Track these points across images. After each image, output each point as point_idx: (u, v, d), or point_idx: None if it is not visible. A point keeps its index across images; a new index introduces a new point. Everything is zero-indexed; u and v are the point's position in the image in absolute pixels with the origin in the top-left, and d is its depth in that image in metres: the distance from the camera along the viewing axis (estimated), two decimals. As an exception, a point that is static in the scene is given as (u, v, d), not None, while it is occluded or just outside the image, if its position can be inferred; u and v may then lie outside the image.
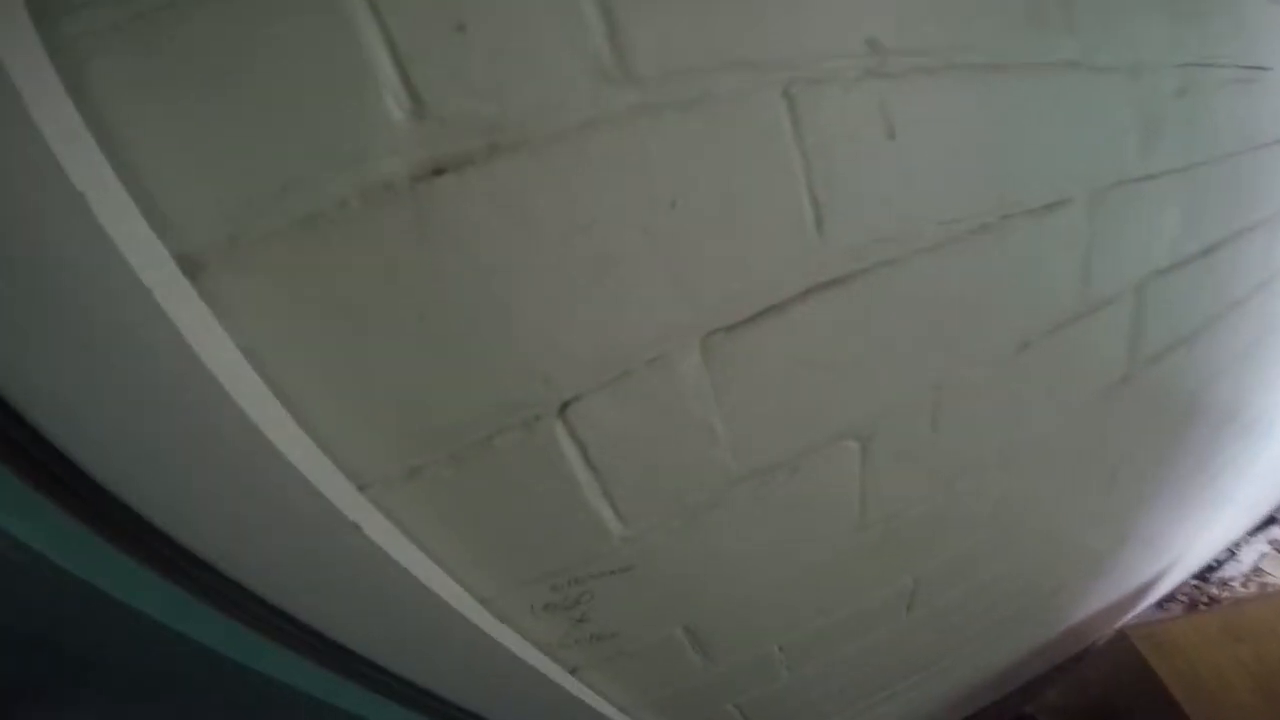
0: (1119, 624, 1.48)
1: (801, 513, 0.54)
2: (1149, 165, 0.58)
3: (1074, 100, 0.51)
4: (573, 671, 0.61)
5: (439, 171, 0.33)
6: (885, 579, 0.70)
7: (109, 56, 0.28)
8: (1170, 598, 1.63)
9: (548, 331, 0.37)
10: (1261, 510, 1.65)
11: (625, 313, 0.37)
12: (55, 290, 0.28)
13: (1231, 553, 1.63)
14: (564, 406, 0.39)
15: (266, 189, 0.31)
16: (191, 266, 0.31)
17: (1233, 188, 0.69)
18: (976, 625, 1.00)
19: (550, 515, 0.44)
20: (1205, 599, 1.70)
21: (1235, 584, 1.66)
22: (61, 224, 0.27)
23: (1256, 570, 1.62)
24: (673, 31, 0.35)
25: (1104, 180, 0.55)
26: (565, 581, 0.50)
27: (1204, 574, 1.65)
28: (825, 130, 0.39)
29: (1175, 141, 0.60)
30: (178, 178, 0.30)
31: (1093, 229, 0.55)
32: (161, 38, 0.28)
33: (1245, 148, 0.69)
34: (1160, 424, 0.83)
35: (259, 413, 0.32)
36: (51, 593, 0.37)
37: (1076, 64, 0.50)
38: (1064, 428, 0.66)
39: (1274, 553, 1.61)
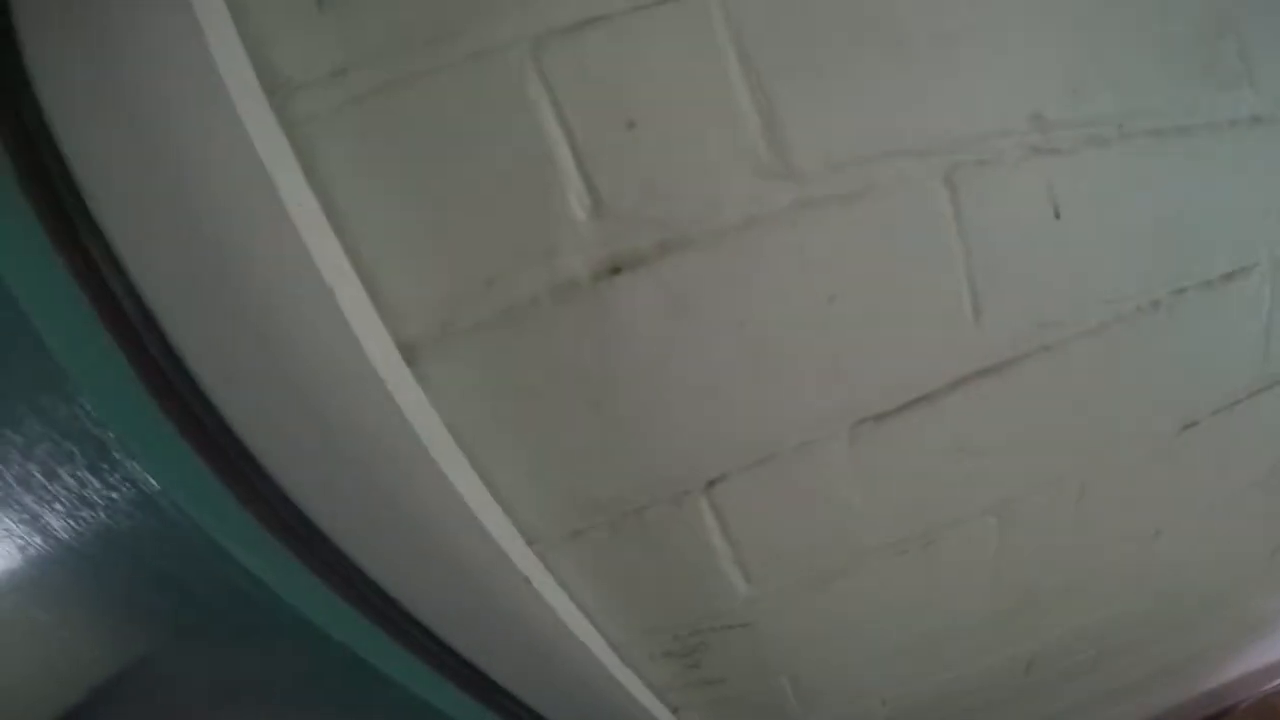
0: (1265, 688, 1.35)
1: (932, 582, 0.54)
2: (1343, 220, 0.52)
3: (1256, 158, 0.47)
4: (675, 711, 0.64)
5: (616, 270, 0.36)
6: (1008, 644, 0.68)
7: (332, 139, 0.32)
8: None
9: (703, 418, 0.39)
10: None
11: (777, 401, 0.39)
12: (306, 376, 0.33)
13: None
14: (710, 485, 0.42)
15: (474, 283, 0.35)
16: (409, 353, 0.36)
17: None
18: (1100, 687, 0.95)
19: (685, 578, 0.47)
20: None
21: None
22: (312, 316, 0.32)
23: None
24: (831, 124, 0.36)
25: (1290, 241, 0.50)
26: (687, 633, 0.53)
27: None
28: (987, 215, 0.39)
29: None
30: (397, 267, 0.35)
31: (1275, 298, 0.50)
32: (373, 123, 0.32)
33: None
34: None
35: (458, 478, 0.37)
36: (270, 622, 0.44)
37: (1259, 119, 0.46)
38: (1228, 502, 0.61)
39: None
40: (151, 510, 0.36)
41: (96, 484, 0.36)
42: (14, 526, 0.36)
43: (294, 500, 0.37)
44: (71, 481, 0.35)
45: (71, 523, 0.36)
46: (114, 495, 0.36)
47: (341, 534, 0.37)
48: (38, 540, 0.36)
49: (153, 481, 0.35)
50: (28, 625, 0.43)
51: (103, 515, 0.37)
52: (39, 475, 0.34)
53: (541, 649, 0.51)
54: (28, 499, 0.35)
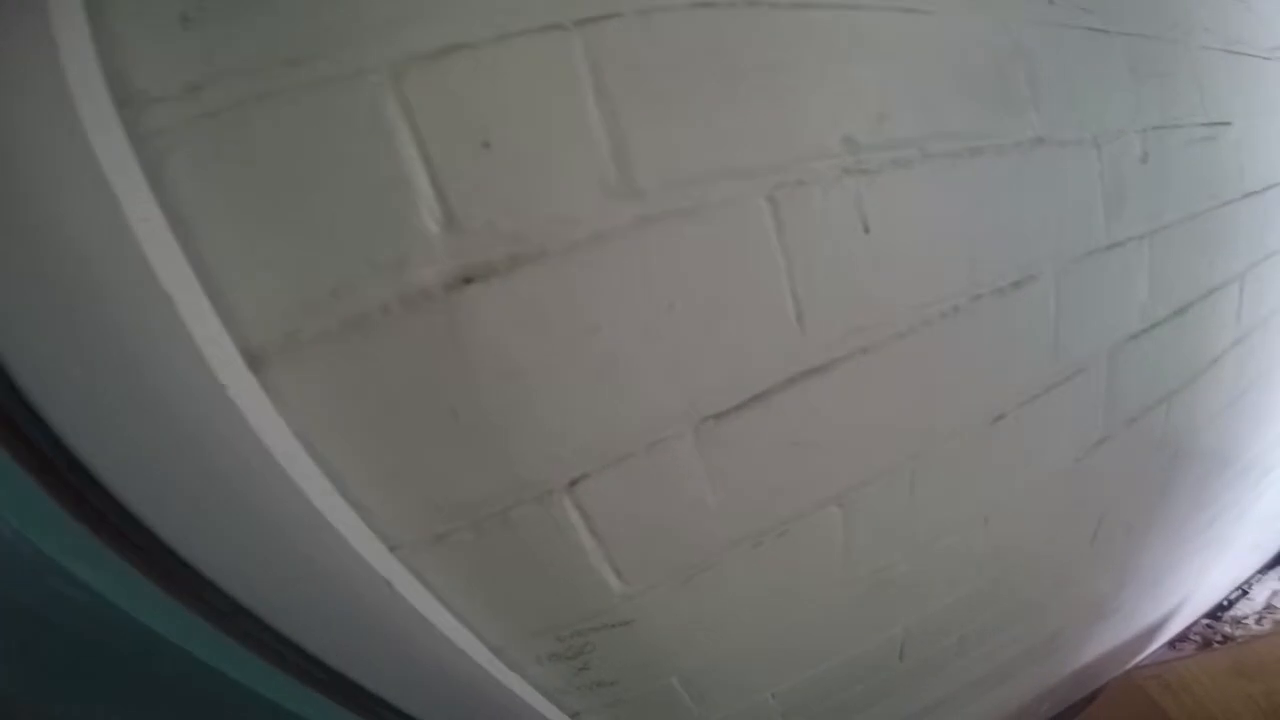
0: (1130, 665, 1.52)
1: (790, 571, 0.60)
2: (1115, 233, 0.65)
3: (1040, 176, 0.58)
4: (573, 717, 0.67)
5: (468, 280, 0.40)
6: (875, 630, 0.76)
7: (183, 153, 0.35)
8: (1183, 637, 1.66)
9: (559, 421, 0.44)
10: (1271, 549, 1.69)
11: (627, 403, 0.44)
12: (144, 383, 0.35)
13: (1244, 591, 1.68)
14: (572, 484, 0.46)
15: (319, 292, 0.38)
16: (254, 361, 0.38)
17: (1201, 247, 0.76)
18: (975, 671, 1.06)
19: (557, 576, 0.51)
20: (1219, 637, 1.74)
21: (1249, 621, 1.70)
22: (150, 324, 0.34)
23: (1269, 607, 1.66)
24: (671, 146, 0.42)
25: (1071, 252, 0.62)
26: (569, 634, 0.56)
27: (1216, 613, 1.69)
28: (805, 230, 0.47)
29: (1141, 206, 0.67)
30: (242, 278, 0.37)
31: (1060, 302, 0.62)
32: (226, 138, 0.35)
33: (1211, 206, 0.76)
34: (1145, 477, 0.89)
35: (310, 486, 0.39)
36: (112, 635, 0.43)
37: (1042, 140, 0.57)
38: (1043, 487, 0.72)
39: (1285, 590, 1.65)
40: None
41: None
42: None
43: (135, 513, 0.38)
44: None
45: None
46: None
47: (189, 545, 0.38)
48: None
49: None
50: None
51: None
52: None
53: (419, 657, 0.52)
54: None
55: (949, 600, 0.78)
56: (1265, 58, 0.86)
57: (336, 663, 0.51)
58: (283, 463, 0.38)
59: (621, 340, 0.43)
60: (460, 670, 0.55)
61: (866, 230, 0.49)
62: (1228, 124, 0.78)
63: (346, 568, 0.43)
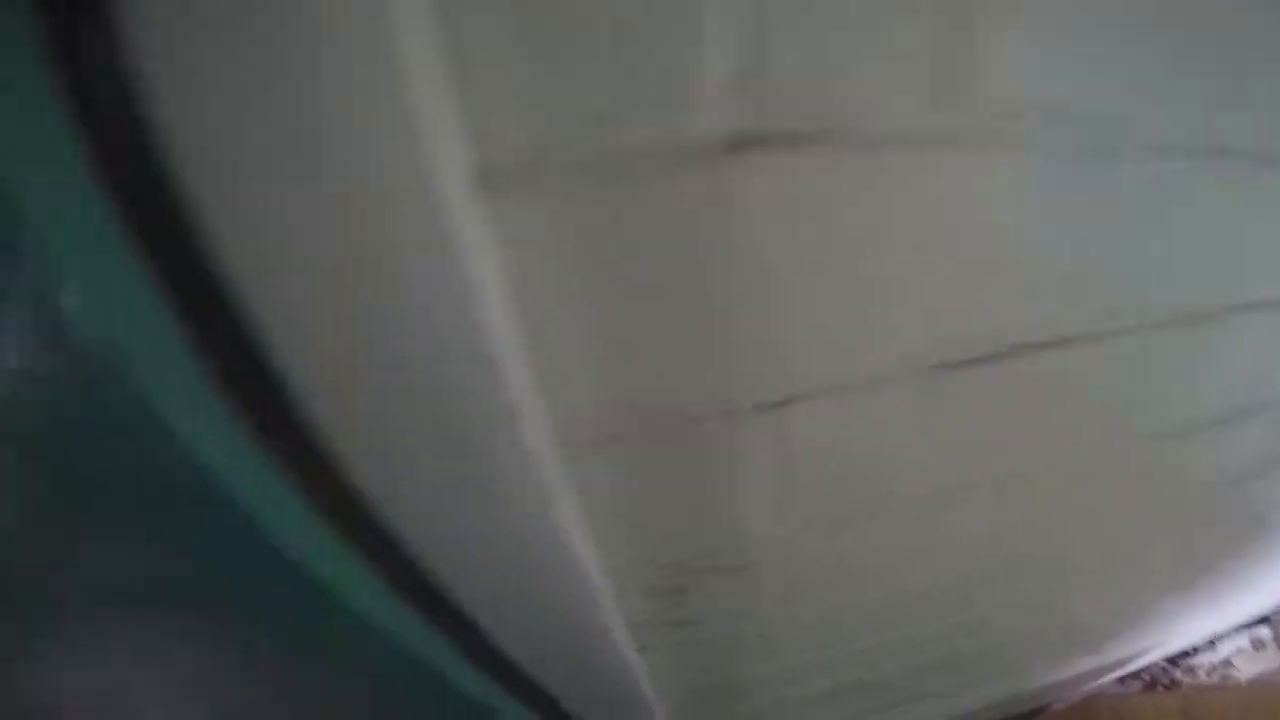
0: (1081, 691, 1.59)
1: (931, 540, 0.57)
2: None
3: None
4: (641, 650, 0.64)
5: (753, 145, 0.32)
6: (958, 608, 0.75)
7: None
8: (1134, 675, 1.75)
9: (791, 333, 0.37)
10: (1256, 610, 1.77)
11: (871, 332, 0.38)
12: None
13: (1211, 643, 1.75)
14: (779, 405, 0.40)
15: (578, 119, 0.30)
16: (488, 180, 0.30)
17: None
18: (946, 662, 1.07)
19: (712, 507, 0.45)
20: (1167, 681, 1.83)
21: (1200, 672, 1.79)
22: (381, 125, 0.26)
23: (1226, 663, 1.74)
24: (1028, 69, 0.34)
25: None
26: (682, 571, 0.52)
27: (1174, 657, 1.76)
28: (1105, 202, 0.39)
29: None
30: (496, 87, 0.29)
31: None
32: None
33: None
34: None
35: (500, 336, 0.32)
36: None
37: None
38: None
39: (1250, 650, 1.73)
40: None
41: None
42: None
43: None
44: None
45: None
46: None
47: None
48: None
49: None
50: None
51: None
52: None
53: (530, 567, 0.47)
54: None
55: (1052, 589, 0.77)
56: None
57: (435, 560, 0.45)
58: (478, 298, 0.31)
59: (890, 263, 0.36)
60: (565, 591, 0.51)
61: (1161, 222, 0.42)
62: None
63: (503, 444, 0.37)
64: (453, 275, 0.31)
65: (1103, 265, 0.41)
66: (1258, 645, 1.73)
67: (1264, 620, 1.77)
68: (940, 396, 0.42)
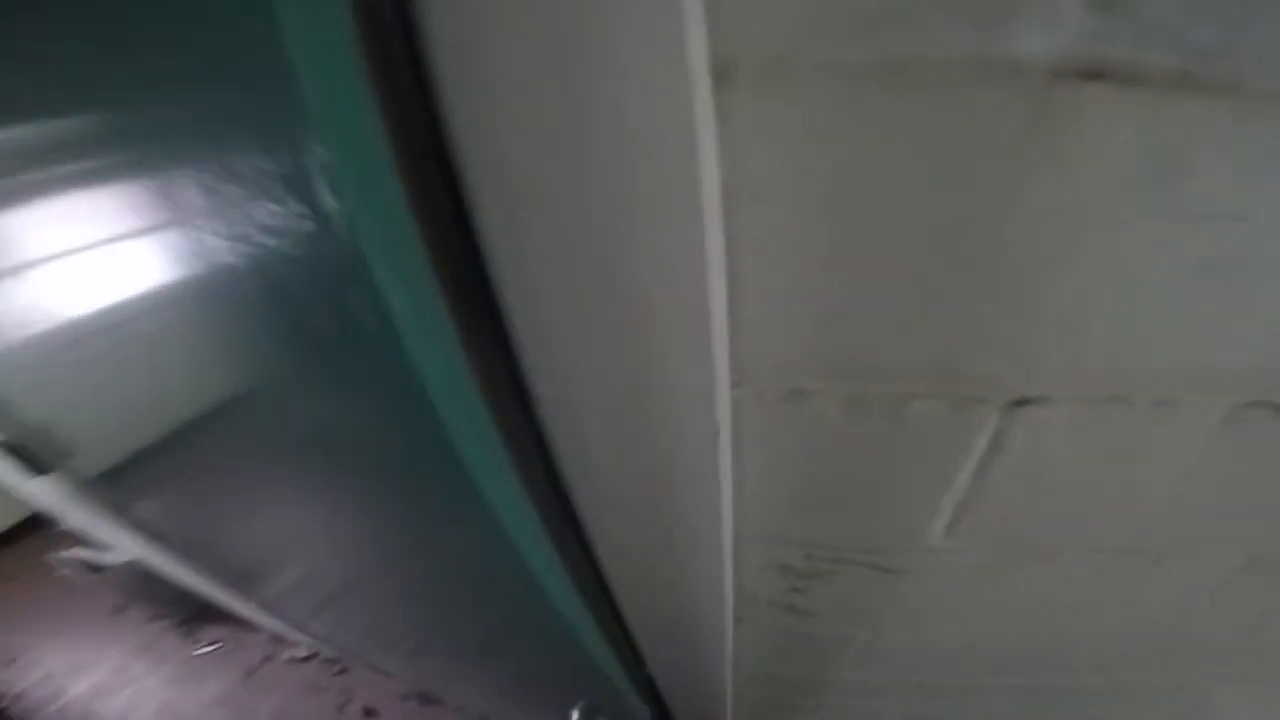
0: None
1: (1113, 594, 0.47)
2: None
3: None
4: (737, 621, 0.60)
5: (1094, 76, 0.24)
6: (1123, 675, 0.65)
7: None
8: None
9: (1074, 317, 0.29)
10: None
11: (1183, 337, 0.29)
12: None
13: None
14: (1018, 403, 0.32)
15: (845, 16, 0.23)
16: (723, 73, 0.25)
17: None
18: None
19: (885, 499, 0.39)
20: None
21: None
22: None
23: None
24: None
25: None
26: (826, 557, 0.46)
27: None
28: None
29: None
30: None
31: None
32: None
33: None
34: None
35: (697, 243, 0.28)
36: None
37: None
38: None
39: None
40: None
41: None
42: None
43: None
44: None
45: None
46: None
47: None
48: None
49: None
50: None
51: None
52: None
53: (662, 506, 0.44)
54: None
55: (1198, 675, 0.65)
56: None
57: (573, 473, 0.43)
58: (688, 204, 0.26)
59: (1243, 252, 0.27)
60: (688, 538, 0.47)
61: None
62: None
63: (679, 370, 0.33)
64: (677, 169, 0.26)
65: None
66: None
67: None
68: (1241, 438, 0.33)
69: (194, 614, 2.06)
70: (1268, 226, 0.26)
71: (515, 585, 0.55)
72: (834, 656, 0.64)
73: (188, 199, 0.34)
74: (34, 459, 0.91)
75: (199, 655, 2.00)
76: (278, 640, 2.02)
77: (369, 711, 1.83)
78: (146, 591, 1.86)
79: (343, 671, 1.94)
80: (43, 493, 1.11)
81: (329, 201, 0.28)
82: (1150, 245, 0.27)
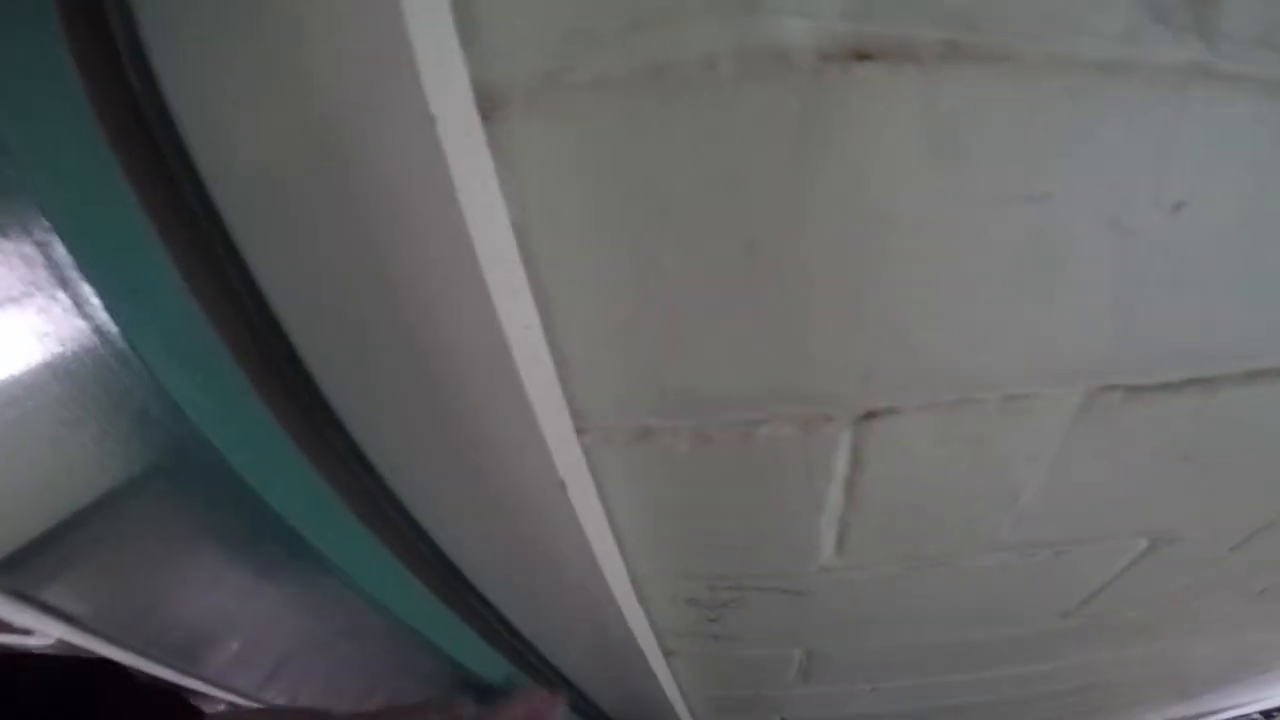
0: None
1: (1023, 591, 0.44)
2: None
3: None
4: (667, 654, 0.56)
5: (863, 57, 0.21)
6: (1033, 664, 0.62)
7: None
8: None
9: (907, 316, 0.26)
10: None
11: (1020, 325, 0.26)
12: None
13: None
14: (867, 416, 0.29)
15: (612, 20, 0.20)
16: (490, 103, 0.21)
17: None
18: (1039, 704, 0.93)
19: (764, 527, 0.36)
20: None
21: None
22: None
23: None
24: None
25: None
26: (727, 585, 0.43)
27: (1272, 710, 1.52)
28: None
29: None
30: None
31: None
32: None
33: None
34: None
35: (503, 291, 0.23)
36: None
37: None
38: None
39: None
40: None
41: None
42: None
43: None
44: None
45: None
46: None
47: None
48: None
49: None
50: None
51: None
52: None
53: (547, 567, 0.40)
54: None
55: (1127, 655, 0.63)
56: None
57: (449, 544, 0.39)
58: (479, 247, 0.22)
59: (1069, 229, 0.24)
60: (586, 591, 0.43)
61: None
62: None
63: (516, 431, 0.28)
64: (451, 217, 0.22)
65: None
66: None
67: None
68: (1103, 427, 0.30)
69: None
70: (1074, 200, 0.23)
71: (433, 664, 0.50)
72: (778, 674, 0.60)
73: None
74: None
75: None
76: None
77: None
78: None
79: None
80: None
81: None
82: (958, 235, 0.24)
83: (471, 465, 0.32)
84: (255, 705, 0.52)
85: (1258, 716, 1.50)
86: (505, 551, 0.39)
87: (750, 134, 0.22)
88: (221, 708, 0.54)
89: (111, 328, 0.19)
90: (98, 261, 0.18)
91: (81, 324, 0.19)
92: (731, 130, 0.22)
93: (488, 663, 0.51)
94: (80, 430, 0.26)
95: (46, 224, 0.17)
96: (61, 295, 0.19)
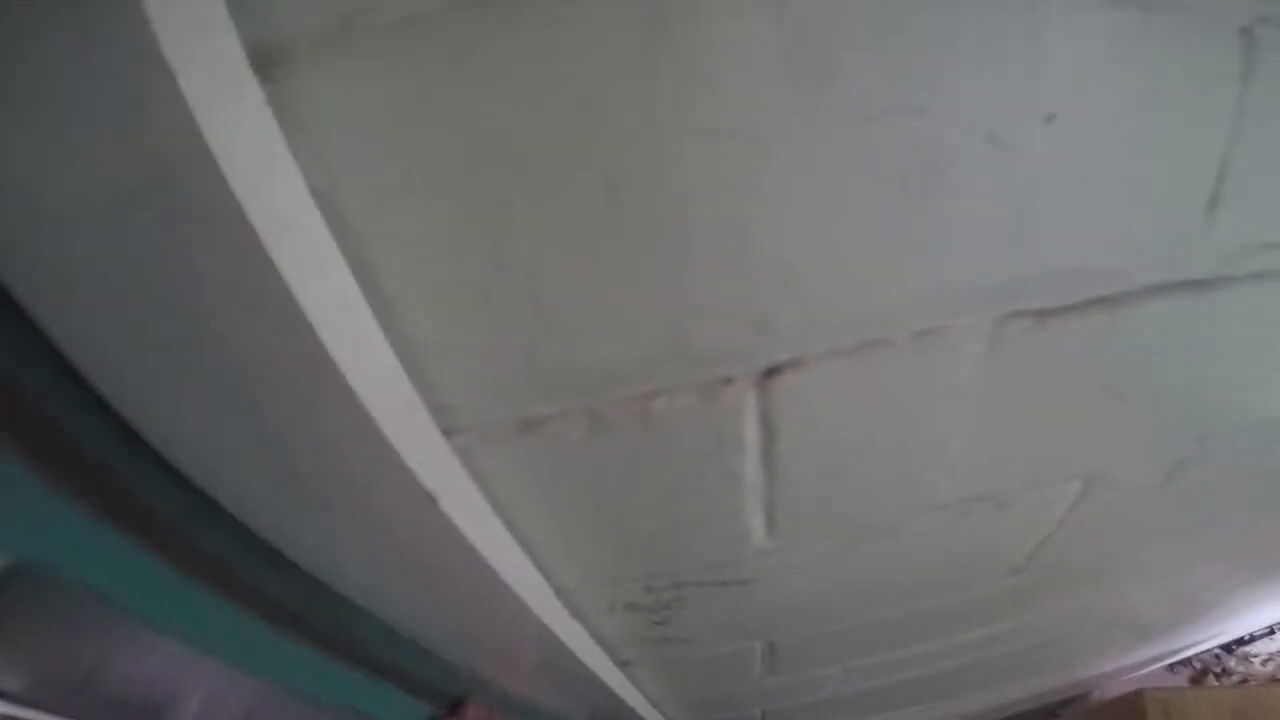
0: (1126, 680, 1.43)
1: (971, 551, 0.42)
2: None
3: None
4: (622, 666, 0.52)
5: None
6: (989, 625, 0.60)
7: None
8: (1184, 662, 1.57)
9: (795, 252, 0.23)
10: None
11: (916, 252, 0.23)
12: None
13: (1271, 630, 1.55)
14: (770, 373, 0.26)
15: None
16: (268, 56, 0.17)
17: None
18: (1006, 663, 0.92)
19: (684, 514, 0.32)
20: (1219, 669, 1.65)
21: (1257, 661, 1.61)
22: None
23: (1286, 651, 1.56)
24: None
25: None
26: (665, 585, 0.39)
27: (1231, 645, 1.58)
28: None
29: None
30: None
31: None
32: None
33: None
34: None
35: (298, 266, 0.19)
36: None
37: None
38: None
39: (1314, 638, 1.53)
40: None
41: None
42: None
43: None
44: None
45: None
46: None
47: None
48: None
49: None
50: None
51: None
52: None
53: (450, 592, 0.35)
54: None
55: (1068, 606, 0.62)
56: None
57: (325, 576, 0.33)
58: (257, 219, 0.17)
59: (952, 140, 0.21)
60: (508, 609, 0.38)
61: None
62: None
63: (370, 448, 0.24)
64: (216, 188, 0.18)
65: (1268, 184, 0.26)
66: (1323, 633, 1.53)
67: (1339, 610, 1.56)
68: (1016, 359, 0.28)
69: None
70: (951, 114, 0.21)
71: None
72: (745, 669, 0.57)
73: None
74: None
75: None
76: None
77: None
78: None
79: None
80: None
81: None
82: (834, 157, 0.21)
83: (325, 495, 0.27)
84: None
85: (1219, 650, 1.56)
86: (400, 583, 0.34)
87: (595, 53, 0.18)
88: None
89: None
90: None
91: None
92: (573, 49, 0.18)
93: (404, 709, 0.45)
94: None
95: None
96: None
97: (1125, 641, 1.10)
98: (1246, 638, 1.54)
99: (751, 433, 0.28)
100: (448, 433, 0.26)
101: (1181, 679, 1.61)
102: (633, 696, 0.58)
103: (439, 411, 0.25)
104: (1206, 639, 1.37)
